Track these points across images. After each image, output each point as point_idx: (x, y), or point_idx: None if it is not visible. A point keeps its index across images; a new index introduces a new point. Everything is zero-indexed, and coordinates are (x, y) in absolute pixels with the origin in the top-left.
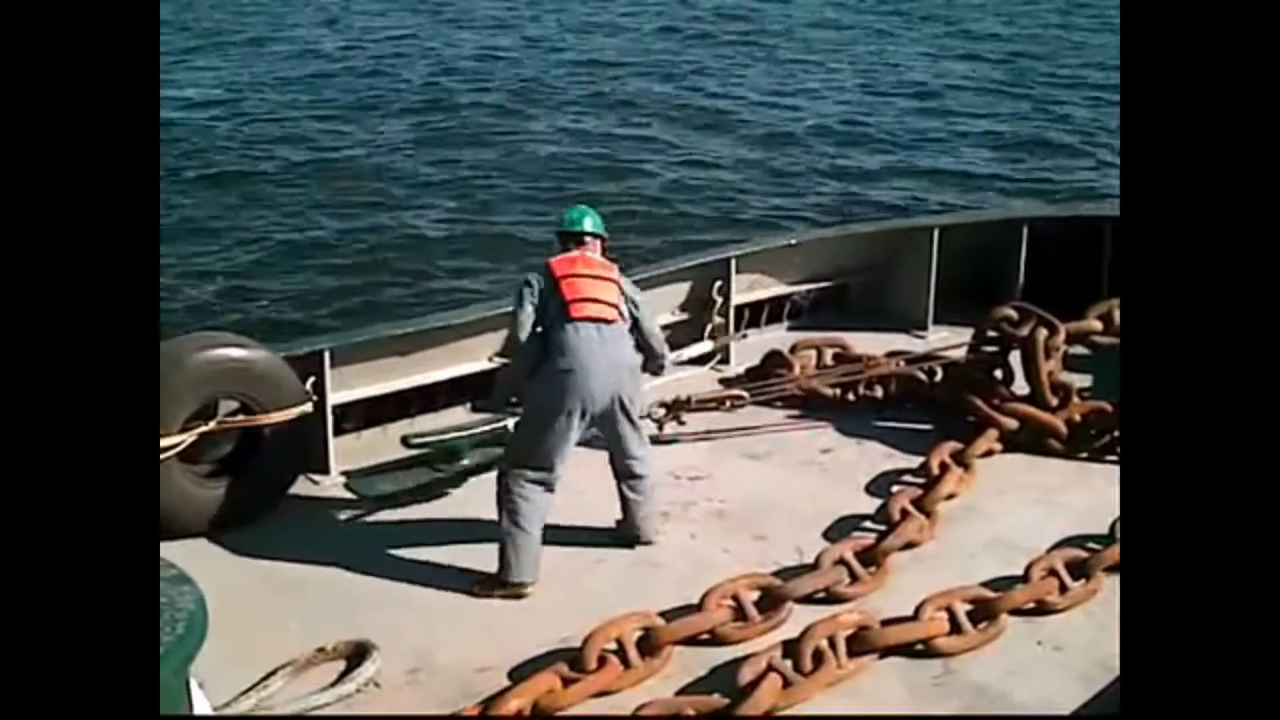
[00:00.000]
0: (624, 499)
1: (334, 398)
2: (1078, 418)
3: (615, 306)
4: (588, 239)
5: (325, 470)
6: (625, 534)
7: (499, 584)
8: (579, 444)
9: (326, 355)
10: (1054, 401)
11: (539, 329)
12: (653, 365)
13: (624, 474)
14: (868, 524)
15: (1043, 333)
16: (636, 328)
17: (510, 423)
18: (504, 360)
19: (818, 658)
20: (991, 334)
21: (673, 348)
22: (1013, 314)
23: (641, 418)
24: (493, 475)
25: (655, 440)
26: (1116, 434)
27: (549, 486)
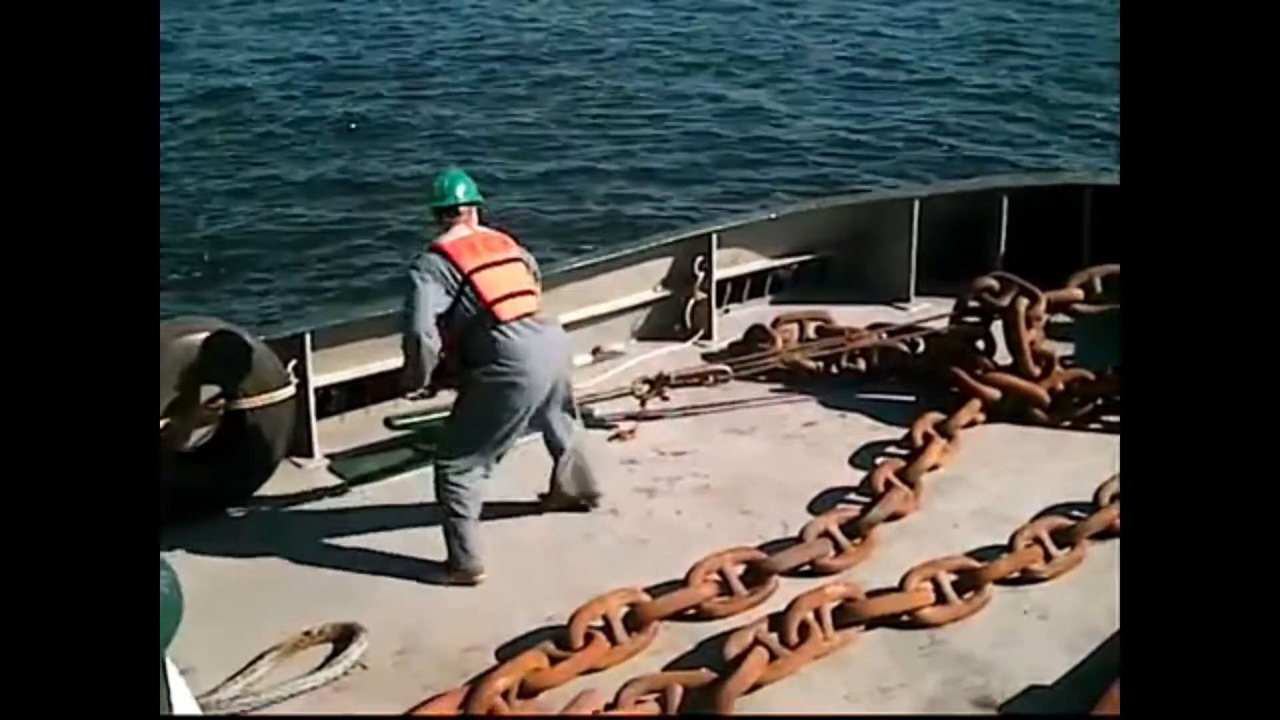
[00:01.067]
0: (561, 465)
1: (316, 380)
2: (1060, 386)
3: (534, 293)
4: (463, 209)
5: (309, 453)
6: (566, 500)
7: (452, 571)
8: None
9: (308, 338)
10: (1036, 371)
11: (448, 326)
12: None
13: (558, 449)
14: (852, 496)
15: (1024, 302)
16: None
17: None
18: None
19: (804, 630)
20: (973, 304)
21: (656, 326)
22: (994, 284)
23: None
24: None
25: (639, 416)
26: (1099, 402)
27: (488, 473)
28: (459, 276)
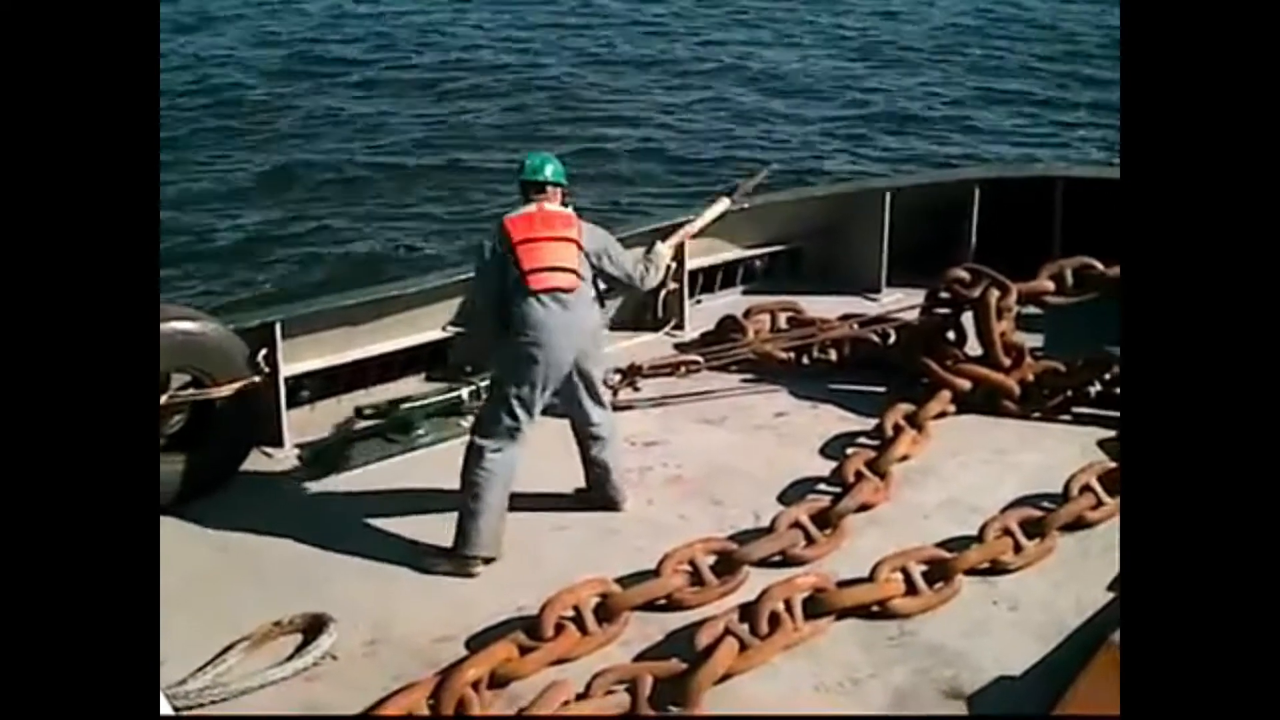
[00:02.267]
0: (588, 463)
1: (286, 369)
2: (1031, 378)
3: (574, 271)
4: (549, 189)
5: (279, 443)
6: (592, 500)
7: (449, 557)
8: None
9: (278, 327)
10: (1007, 362)
11: (499, 296)
12: (643, 292)
13: (585, 438)
14: (823, 487)
15: (995, 293)
16: (606, 276)
17: (464, 392)
18: (458, 329)
19: (774, 621)
20: (944, 295)
21: (628, 315)
22: (965, 275)
23: (604, 384)
24: (446, 446)
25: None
26: (1070, 393)
27: (511, 459)
28: (509, 244)
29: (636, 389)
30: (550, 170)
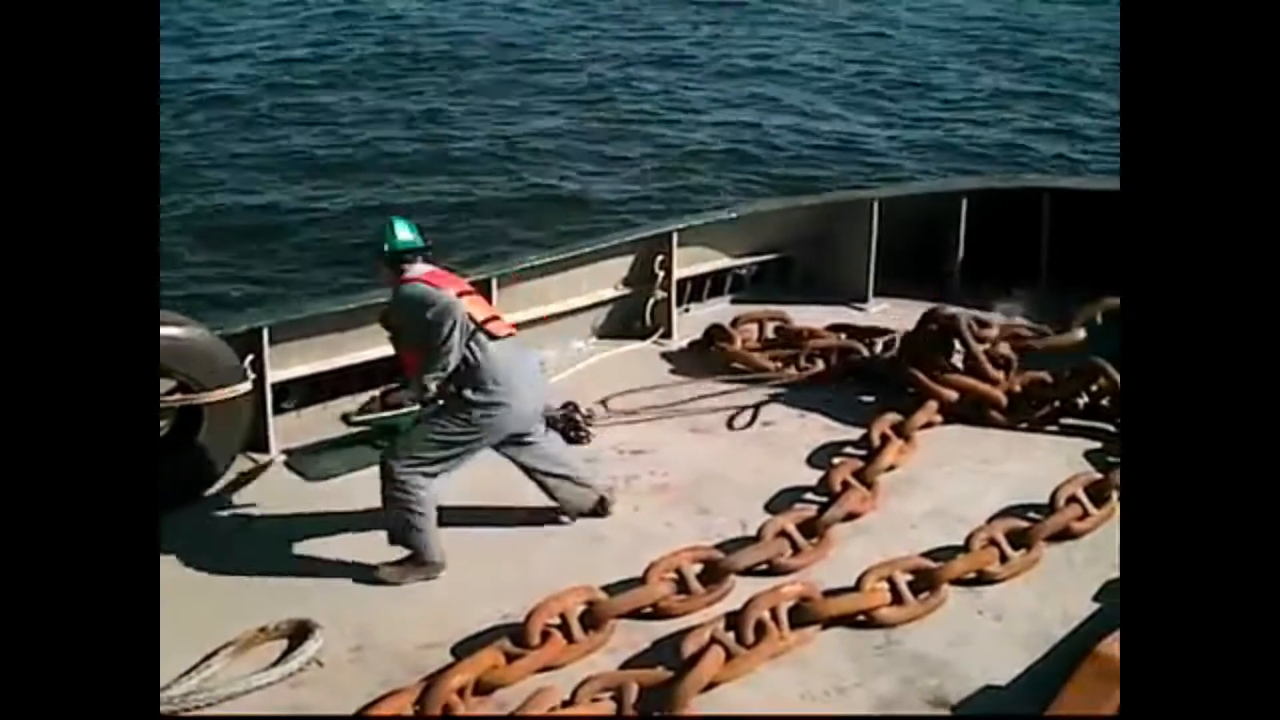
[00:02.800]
0: (543, 485)
1: (273, 375)
2: (1018, 388)
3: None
4: (408, 254)
5: (265, 449)
6: (571, 512)
7: (415, 567)
8: None
9: (265, 333)
10: (994, 373)
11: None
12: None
13: (533, 470)
14: (809, 496)
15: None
16: None
17: None
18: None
19: (760, 629)
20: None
21: (616, 324)
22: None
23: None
24: None
25: (593, 420)
26: (1056, 405)
27: (439, 480)
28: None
29: (608, 409)
30: (413, 235)
